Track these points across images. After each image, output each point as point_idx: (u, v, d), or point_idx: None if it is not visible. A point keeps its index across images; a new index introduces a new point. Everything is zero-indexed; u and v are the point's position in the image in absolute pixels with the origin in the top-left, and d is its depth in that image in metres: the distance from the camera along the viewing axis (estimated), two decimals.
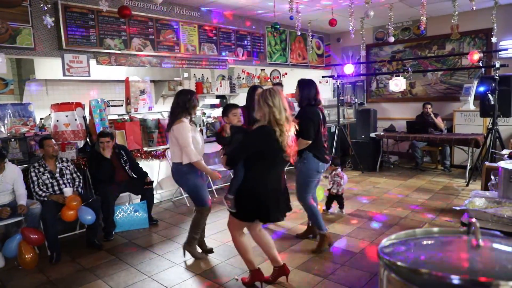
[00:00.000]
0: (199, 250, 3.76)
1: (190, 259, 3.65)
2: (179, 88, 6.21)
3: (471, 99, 7.08)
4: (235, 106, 3.50)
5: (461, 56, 7.35)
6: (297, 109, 3.82)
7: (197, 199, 3.60)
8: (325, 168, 3.70)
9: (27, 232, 3.62)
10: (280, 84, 5.25)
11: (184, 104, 3.43)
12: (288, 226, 4.40)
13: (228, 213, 3.03)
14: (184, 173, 3.48)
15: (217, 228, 4.41)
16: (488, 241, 0.88)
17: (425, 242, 0.95)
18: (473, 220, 0.89)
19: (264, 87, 3.41)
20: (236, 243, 3.00)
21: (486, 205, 2.46)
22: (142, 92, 5.47)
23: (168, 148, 5.05)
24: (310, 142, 3.49)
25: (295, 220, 4.59)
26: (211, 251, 3.78)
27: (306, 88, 3.59)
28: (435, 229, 1.10)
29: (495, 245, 0.89)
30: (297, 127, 2.94)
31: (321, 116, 3.64)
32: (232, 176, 3.47)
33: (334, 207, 4.91)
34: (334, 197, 4.84)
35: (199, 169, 3.49)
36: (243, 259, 3.06)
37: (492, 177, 3.25)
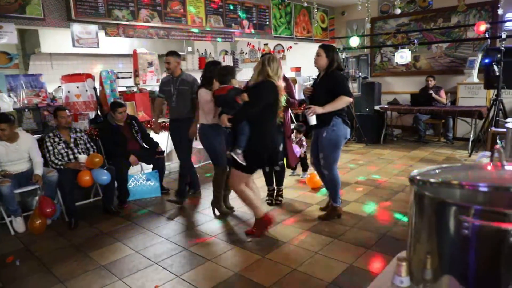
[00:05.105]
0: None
1: (206, 222, 3.84)
2: (183, 62, 6.23)
3: (475, 72, 7.11)
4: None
5: (467, 29, 7.34)
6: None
7: (213, 158, 3.98)
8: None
9: (43, 204, 3.71)
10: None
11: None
12: (294, 195, 4.53)
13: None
14: (204, 134, 3.90)
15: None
16: None
17: (452, 169, 1.04)
18: (498, 146, 0.98)
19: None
20: (243, 195, 3.33)
21: None
22: (150, 64, 5.50)
23: None
24: (351, 100, 3.47)
25: (303, 188, 4.73)
26: (231, 209, 4.10)
27: (332, 51, 3.47)
28: (459, 164, 1.19)
29: None
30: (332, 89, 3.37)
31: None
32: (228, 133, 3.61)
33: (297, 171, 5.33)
34: (302, 160, 5.24)
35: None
36: (251, 207, 3.39)
37: (498, 141, 3.35)
